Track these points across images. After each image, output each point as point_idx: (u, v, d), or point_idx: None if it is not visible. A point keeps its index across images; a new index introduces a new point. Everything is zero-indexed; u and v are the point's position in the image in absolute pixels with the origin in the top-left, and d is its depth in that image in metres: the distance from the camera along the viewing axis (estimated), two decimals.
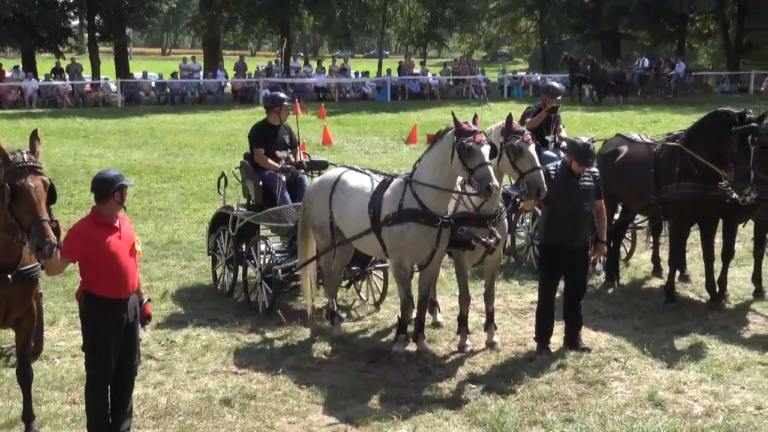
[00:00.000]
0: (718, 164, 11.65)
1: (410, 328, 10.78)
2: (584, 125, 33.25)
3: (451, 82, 52.05)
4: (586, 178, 10.42)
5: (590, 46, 66.29)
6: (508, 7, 70.11)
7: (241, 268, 12.62)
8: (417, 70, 54.19)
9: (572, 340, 10.51)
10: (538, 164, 9.88)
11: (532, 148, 9.88)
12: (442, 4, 69.78)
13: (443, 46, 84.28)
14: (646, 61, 50.32)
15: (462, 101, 46.27)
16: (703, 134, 11.94)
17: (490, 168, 9.47)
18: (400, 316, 10.57)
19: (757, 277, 12.84)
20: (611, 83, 43.38)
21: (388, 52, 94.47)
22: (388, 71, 52.30)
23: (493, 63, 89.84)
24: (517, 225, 14.41)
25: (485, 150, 9.54)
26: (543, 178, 9.79)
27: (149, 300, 8.46)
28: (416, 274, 10.65)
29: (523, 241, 14.60)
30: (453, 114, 9.97)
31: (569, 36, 69.16)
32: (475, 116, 10.02)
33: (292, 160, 12.81)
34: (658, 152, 12.55)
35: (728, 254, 12.63)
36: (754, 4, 57.74)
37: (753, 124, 11.31)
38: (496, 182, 9.48)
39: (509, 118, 10.16)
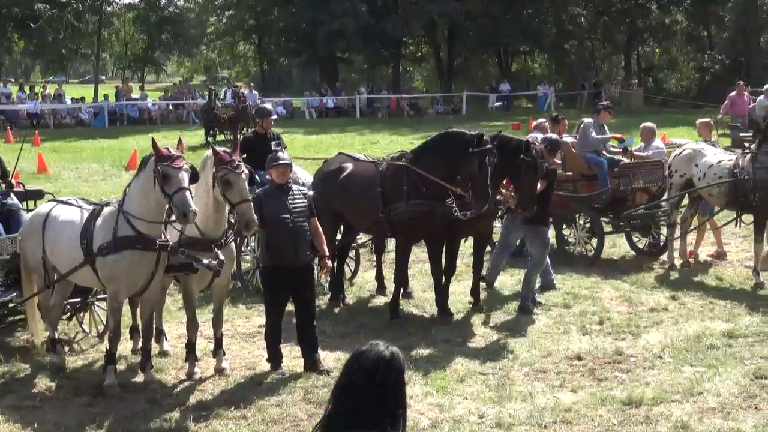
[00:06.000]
0: (450, 182, 12.05)
1: (137, 359, 10.56)
2: (306, 147, 33.66)
3: (171, 107, 51.46)
4: (298, 196, 10.56)
5: (309, 70, 67.52)
6: (226, 32, 70.20)
7: None
8: (135, 95, 53.27)
9: (312, 363, 10.54)
10: (248, 196, 9.84)
11: (241, 180, 9.82)
12: (159, 28, 69.15)
13: (161, 70, 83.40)
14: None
15: (182, 126, 45.81)
16: (435, 154, 12.27)
17: (188, 193, 9.39)
18: (107, 347, 10.28)
19: (475, 291, 13.32)
20: (222, 118, 37.57)
21: (104, 77, 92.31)
22: (105, 96, 51.19)
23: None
24: (242, 249, 14.35)
25: (183, 175, 9.44)
26: (252, 211, 9.78)
27: None
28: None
29: (249, 264, 14.55)
30: (153, 140, 9.86)
31: (288, 60, 70.00)
32: (180, 140, 9.96)
33: (2, 188, 12.34)
34: (385, 171, 12.82)
35: (451, 270, 13.05)
36: (462, 29, 60.39)
37: (489, 146, 11.76)
38: (194, 208, 9.34)
39: (214, 149, 10.09)
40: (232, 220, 10.42)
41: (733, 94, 27.95)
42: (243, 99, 37.57)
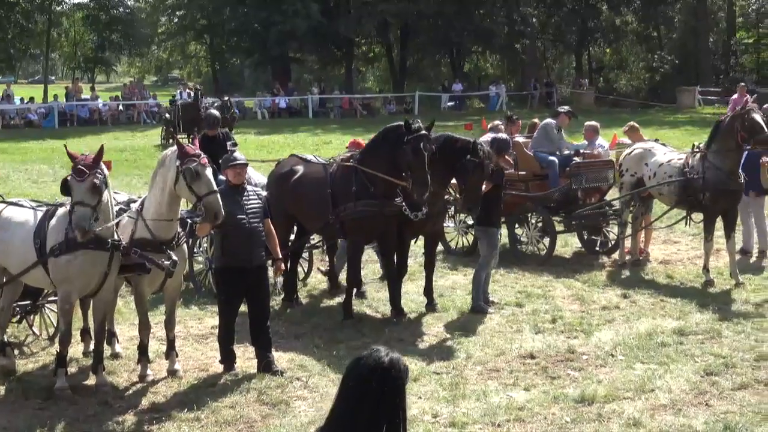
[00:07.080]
0: (397, 177, 12.08)
1: (89, 361, 10.47)
2: (258, 148, 33.55)
3: (122, 107, 51.07)
4: (252, 197, 10.53)
5: (261, 70, 67.31)
6: (177, 32, 69.73)
7: None
8: (86, 95, 52.78)
9: (265, 363, 10.49)
10: (215, 188, 9.82)
11: (209, 172, 9.80)
12: (110, 28, 68.59)
13: (112, 70, 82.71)
14: (186, 94, 44.12)
15: (134, 126, 45.49)
16: (377, 151, 12.34)
17: (85, 210, 9.32)
18: (58, 350, 10.18)
19: (428, 290, 13.34)
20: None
21: (54, 78, 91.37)
22: (55, 97, 50.68)
23: (165, 87, 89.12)
24: (195, 250, 14.26)
25: (81, 187, 9.37)
26: (220, 202, 9.74)
27: None
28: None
29: (202, 266, 14.46)
30: (65, 146, 9.82)
31: (240, 60, 69.77)
32: (101, 147, 9.90)
33: None
34: (335, 172, 12.82)
35: (402, 270, 13.06)
36: (414, 29, 60.52)
37: (423, 132, 11.87)
38: (87, 226, 9.29)
39: (178, 143, 10.03)
40: (189, 221, 10.38)
41: (735, 96, 27.90)
42: (229, 104, 37.54)
